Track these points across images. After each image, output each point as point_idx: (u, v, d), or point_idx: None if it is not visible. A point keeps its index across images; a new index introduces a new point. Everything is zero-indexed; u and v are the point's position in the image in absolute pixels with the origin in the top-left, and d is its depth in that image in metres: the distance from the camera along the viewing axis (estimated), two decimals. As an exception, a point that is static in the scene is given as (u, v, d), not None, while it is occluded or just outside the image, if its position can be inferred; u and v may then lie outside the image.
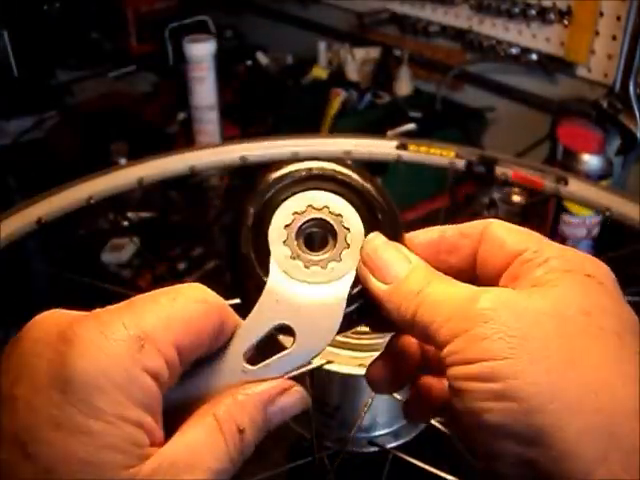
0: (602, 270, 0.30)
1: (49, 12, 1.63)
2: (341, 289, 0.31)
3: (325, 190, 0.34)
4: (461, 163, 0.80)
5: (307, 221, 0.33)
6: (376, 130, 1.19)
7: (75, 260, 1.10)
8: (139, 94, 1.59)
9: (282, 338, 0.32)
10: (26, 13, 1.58)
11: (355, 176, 0.34)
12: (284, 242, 0.32)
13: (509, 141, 1.22)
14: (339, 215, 0.33)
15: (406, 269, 0.31)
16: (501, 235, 0.32)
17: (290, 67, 1.54)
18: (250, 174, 0.89)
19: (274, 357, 0.30)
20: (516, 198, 1.10)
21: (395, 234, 0.33)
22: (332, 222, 0.33)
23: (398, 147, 0.82)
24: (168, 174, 0.80)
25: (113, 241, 1.10)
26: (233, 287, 0.33)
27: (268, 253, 0.32)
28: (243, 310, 0.32)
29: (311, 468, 0.53)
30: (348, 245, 0.32)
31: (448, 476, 0.50)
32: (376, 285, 0.31)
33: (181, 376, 0.29)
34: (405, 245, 0.33)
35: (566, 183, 0.76)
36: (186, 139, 1.36)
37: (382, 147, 0.84)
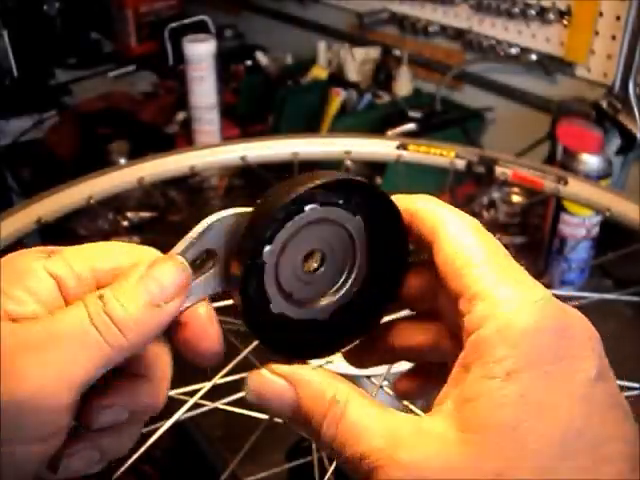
0: (533, 350, 0.24)
1: (49, 12, 1.63)
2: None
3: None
4: (461, 163, 0.80)
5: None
6: (376, 130, 1.19)
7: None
8: (139, 94, 1.59)
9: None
10: (26, 13, 1.58)
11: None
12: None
13: (509, 141, 1.22)
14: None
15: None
16: (454, 249, 0.28)
17: (290, 67, 1.54)
18: (250, 174, 0.89)
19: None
20: (516, 198, 1.10)
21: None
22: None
23: (398, 147, 0.82)
24: (168, 174, 0.80)
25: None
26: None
27: None
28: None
29: (311, 468, 0.53)
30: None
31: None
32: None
33: None
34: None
35: (566, 183, 0.76)
36: (186, 139, 1.36)
37: (382, 147, 0.84)
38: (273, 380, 0.29)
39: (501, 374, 0.24)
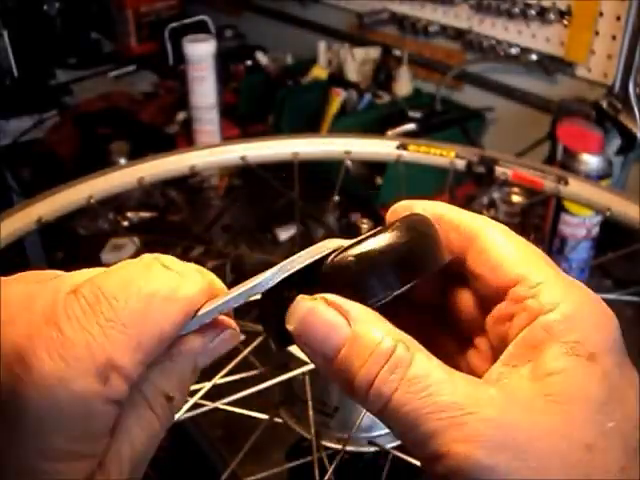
0: (607, 339, 0.25)
1: (49, 12, 1.63)
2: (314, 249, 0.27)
3: None
4: (461, 163, 0.80)
5: None
6: (376, 130, 1.19)
7: (75, 260, 1.10)
8: (139, 94, 1.59)
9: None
10: (26, 13, 1.58)
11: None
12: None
13: (509, 141, 1.22)
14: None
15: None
16: (497, 252, 0.28)
17: (290, 67, 1.54)
18: (250, 174, 0.89)
19: (217, 297, 0.27)
20: (516, 198, 1.10)
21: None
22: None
23: (398, 147, 0.82)
24: (168, 174, 0.80)
25: (113, 241, 1.10)
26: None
27: None
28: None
29: (311, 468, 0.53)
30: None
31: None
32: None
33: None
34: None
35: (566, 183, 0.76)
36: (186, 139, 1.36)
37: (382, 147, 0.84)
38: (326, 310, 0.25)
39: (585, 353, 0.24)
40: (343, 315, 0.25)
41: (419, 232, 0.28)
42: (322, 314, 0.25)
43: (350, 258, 0.26)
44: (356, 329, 0.24)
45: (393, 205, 0.31)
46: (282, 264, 0.27)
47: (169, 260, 0.26)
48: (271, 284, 0.27)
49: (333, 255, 0.27)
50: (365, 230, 1.10)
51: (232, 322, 0.28)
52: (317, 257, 0.27)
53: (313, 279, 0.27)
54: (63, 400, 0.22)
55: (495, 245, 0.28)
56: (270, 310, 0.28)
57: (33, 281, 0.25)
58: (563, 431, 0.23)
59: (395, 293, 0.27)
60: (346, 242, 0.29)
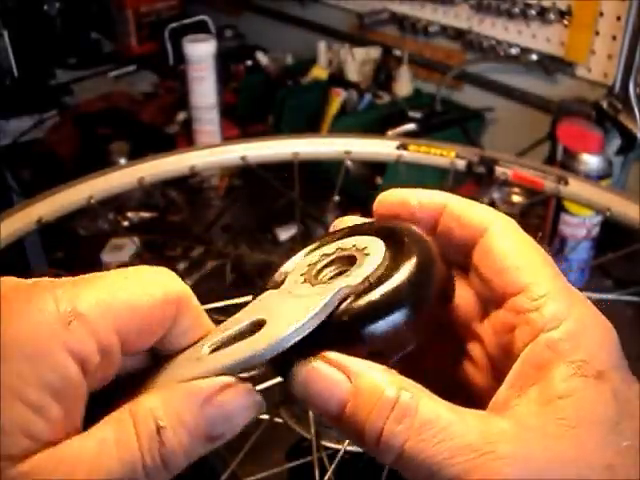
0: (612, 355, 0.25)
1: (49, 12, 1.63)
2: (330, 292, 0.27)
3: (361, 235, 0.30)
4: (461, 163, 0.80)
5: (332, 260, 0.30)
6: (376, 130, 1.19)
7: (75, 260, 1.10)
8: (139, 94, 1.59)
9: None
10: (26, 13, 1.58)
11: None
12: (301, 274, 0.30)
13: (509, 141, 1.22)
14: (364, 247, 0.29)
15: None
16: (504, 255, 0.27)
17: (290, 67, 1.54)
18: (250, 174, 0.89)
19: (236, 344, 0.26)
20: (516, 198, 1.10)
21: (427, 266, 0.27)
22: (354, 253, 0.29)
23: (398, 147, 0.82)
24: (168, 174, 0.80)
25: (113, 241, 1.10)
26: None
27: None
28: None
29: (311, 468, 0.53)
30: (360, 265, 0.28)
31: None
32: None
33: (143, 370, 0.26)
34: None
35: (566, 183, 0.76)
36: (186, 139, 1.36)
37: (382, 147, 0.84)
38: (326, 369, 0.25)
39: (592, 373, 0.24)
40: (343, 371, 0.24)
41: (429, 275, 0.27)
42: (322, 374, 0.25)
43: (357, 324, 0.26)
44: (357, 383, 0.24)
45: (382, 194, 0.31)
46: (295, 327, 0.25)
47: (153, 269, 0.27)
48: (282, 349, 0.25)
49: (342, 310, 0.26)
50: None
51: (248, 385, 0.26)
52: (329, 310, 0.26)
53: (322, 334, 0.26)
54: (17, 331, 0.22)
55: (502, 247, 0.27)
56: (279, 367, 0.27)
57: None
58: (580, 456, 0.23)
59: (409, 349, 0.27)
60: (359, 220, 0.30)
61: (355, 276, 0.27)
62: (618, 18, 1.04)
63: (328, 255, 0.30)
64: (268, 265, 1.03)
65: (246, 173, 1.24)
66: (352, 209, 1.14)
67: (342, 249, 0.30)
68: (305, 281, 0.29)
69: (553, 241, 0.98)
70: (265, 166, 0.82)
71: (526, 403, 0.24)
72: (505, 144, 1.19)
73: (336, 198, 1.05)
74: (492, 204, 1.08)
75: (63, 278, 0.24)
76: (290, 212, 0.85)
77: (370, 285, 0.27)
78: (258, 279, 1.01)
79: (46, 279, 0.24)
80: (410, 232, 0.29)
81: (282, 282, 0.30)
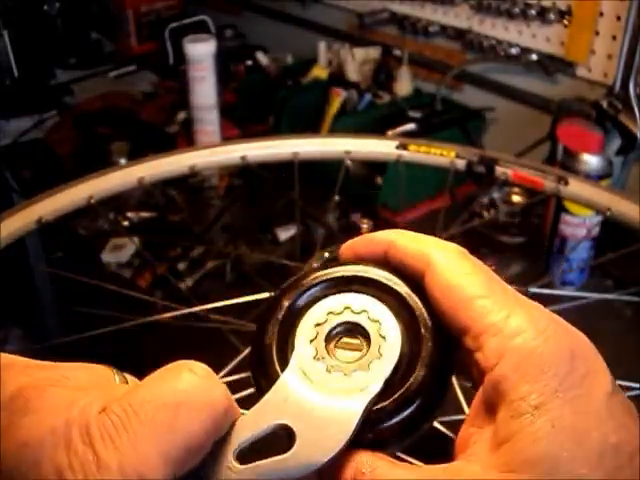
0: (556, 377, 0.25)
1: (49, 12, 1.63)
2: (360, 402, 0.27)
3: (367, 294, 0.31)
4: (461, 163, 0.80)
5: (341, 323, 0.30)
6: (376, 130, 1.19)
7: (75, 260, 1.10)
8: (139, 94, 1.59)
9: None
10: (26, 13, 1.58)
11: (402, 285, 0.30)
12: (311, 341, 0.30)
13: (509, 141, 1.22)
14: (377, 321, 0.30)
15: None
16: (446, 291, 0.28)
17: (290, 67, 1.54)
18: (250, 174, 0.89)
19: (267, 460, 0.27)
20: (516, 198, 1.10)
21: (441, 355, 0.29)
22: (368, 328, 0.30)
23: (398, 147, 0.82)
24: (168, 174, 0.80)
25: (113, 241, 1.10)
26: (252, 377, 0.31)
27: (292, 349, 0.30)
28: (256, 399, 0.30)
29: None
30: (380, 355, 0.29)
31: (448, 476, 0.50)
32: None
33: None
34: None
35: (566, 183, 0.76)
36: (186, 139, 1.36)
37: (382, 147, 0.84)
38: None
39: (529, 409, 0.24)
40: None
41: (444, 381, 0.29)
42: None
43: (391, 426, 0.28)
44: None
45: (349, 242, 0.32)
46: (329, 456, 0.27)
47: (195, 365, 0.27)
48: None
49: (369, 428, 0.28)
50: (365, 230, 1.10)
51: None
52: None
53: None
54: None
55: (443, 281, 0.28)
56: None
57: (64, 386, 0.25)
58: None
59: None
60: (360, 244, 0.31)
61: (376, 373, 0.28)
62: (618, 18, 1.03)
63: (335, 314, 0.30)
64: (268, 265, 1.03)
65: (246, 173, 1.24)
66: (352, 209, 1.14)
67: (351, 310, 0.30)
68: (323, 362, 0.29)
69: (553, 241, 0.98)
70: (265, 166, 0.82)
71: (481, 447, 0.25)
72: (505, 144, 1.19)
73: (336, 198, 1.06)
74: (492, 204, 1.08)
75: (104, 422, 0.24)
76: (290, 212, 0.85)
77: (393, 398, 0.28)
78: (258, 279, 1.01)
79: (95, 433, 0.24)
80: (422, 317, 0.29)
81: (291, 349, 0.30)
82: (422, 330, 0.29)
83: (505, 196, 1.10)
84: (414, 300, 0.30)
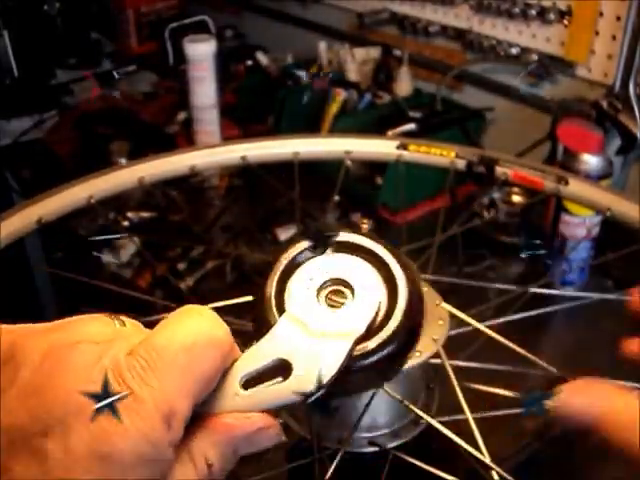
0: None
1: (49, 12, 1.63)
2: (347, 342, 0.32)
3: (356, 256, 0.37)
4: (461, 163, 0.80)
5: (332, 278, 0.35)
6: (376, 130, 1.19)
7: (75, 260, 1.10)
8: (139, 94, 1.59)
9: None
10: (26, 13, 1.58)
11: (388, 255, 0.37)
12: (305, 291, 0.35)
13: (509, 141, 1.22)
14: (361, 277, 0.35)
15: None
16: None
17: (290, 67, 1.54)
18: (250, 174, 0.89)
19: (268, 388, 0.31)
20: (516, 198, 1.10)
21: (414, 306, 0.35)
22: (354, 283, 0.35)
23: (398, 147, 0.82)
24: (168, 174, 0.80)
25: (113, 241, 1.10)
26: (254, 325, 0.36)
27: (289, 298, 0.35)
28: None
29: (311, 468, 0.53)
30: (364, 304, 0.34)
31: (448, 476, 0.50)
32: None
33: None
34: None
35: (566, 183, 0.76)
36: (186, 139, 1.36)
37: (382, 147, 0.84)
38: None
39: None
40: None
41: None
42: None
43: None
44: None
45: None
46: (322, 385, 0.31)
47: (201, 309, 0.31)
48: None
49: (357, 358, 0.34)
50: (365, 230, 1.10)
51: (276, 422, 0.32)
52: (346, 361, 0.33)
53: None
54: (140, 446, 0.26)
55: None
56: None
57: (91, 341, 0.29)
58: None
59: None
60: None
61: (360, 318, 0.34)
62: (618, 18, 1.04)
63: (326, 270, 0.36)
64: (268, 265, 1.03)
65: (246, 173, 1.24)
66: (352, 209, 1.14)
67: (340, 268, 0.36)
68: (315, 307, 0.34)
69: (553, 241, 0.98)
70: (265, 166, 0.82)
71: None
72: (505, 144, 1.19)
73: (336, 198, 1.06)
74: (492, 204, 1.08)
75: (132, 362, 0.27)
76: (290, 212, 0.85)
77: (375, 339, 0.34)
78: (258, 279, 1.00)
79: (128, 374, 0.27)
80: (400, 276, 0.36)
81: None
82: (399, 286, 0.35)
83: (505, 196, 1.10)
84: (394, 263, 0.36)
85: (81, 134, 1.39)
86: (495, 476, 0.45)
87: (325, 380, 0.31)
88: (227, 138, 1.32)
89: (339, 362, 0.32)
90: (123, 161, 1.26)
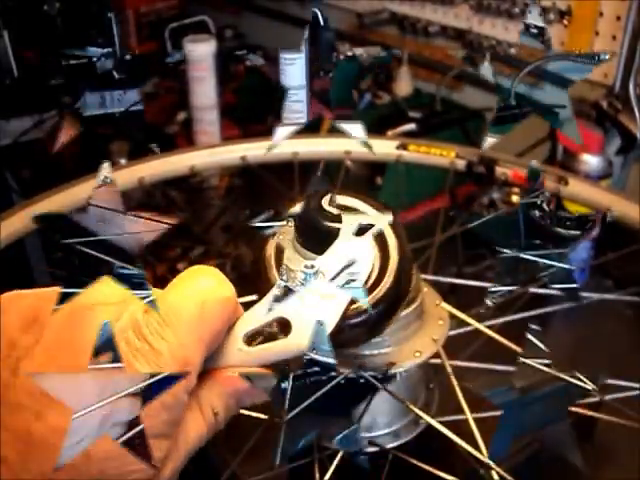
0: None
1: (49, 12, 1.63)
2: (341, 301, 0.35)
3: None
4: (461, 163, 0.80)
5: None
6: (376, 130, 1.19)
7: (75, 260, 1.10)
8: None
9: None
10: (26, 13, 1.58)
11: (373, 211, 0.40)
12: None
13: (509, 141, 1.21)
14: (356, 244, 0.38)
15: None
16: None
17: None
18: (250, 174, 0.89)
19: (270, 343, 0.34)
20: (516, 198, 1.10)
21: (403, 269, 0.38)
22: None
23: (398, 147, 0.82)
24: (168, 174, 0.80)
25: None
26: (255, 284, 0.39)
27: (288, 260, 0.38)
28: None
29: (311, 468, 0.53)
30: (359, 267, 0.36)
31: (448, 476, 0.50)
32: None
33: None
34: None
35: (566, 183, 0.76)
36: (186, 139, 1.36)
37: (382, 147, 0.84)
38: None
39: None
40: None
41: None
42: None
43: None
44: None
45: None
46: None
47: (208, 269, 0.34)
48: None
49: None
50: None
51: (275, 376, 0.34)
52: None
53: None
54: (165, 398, 0.29)
55: None
56: None
57: (109, 303, 0.31)
58: None
59: None
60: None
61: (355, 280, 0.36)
62: (618, 18, 1.04)
63: None
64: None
65: (246, 173, 1.24)
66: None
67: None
68: (310, 269, 0.36)
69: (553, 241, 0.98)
70: (265, 166, 0.82)
71: None
72: (505, 144, 1.19)
73: (336, 198, 1.05)
74: (492, 204, 1.08)
75: (149, 318, 0.30)
76: (290, 212, 0.85)
77: (367, 291, 0.36)
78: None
79: (146, 330, 0.29)
80: (392, 243, 0.39)
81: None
82: (389, 251, 0.38)
83: (505, 196, 1.10)
84: (388, 232, 0.39)
85: (81, 134, 1.39)
86: (495, 476, 0.45)
87: (323, 334, 0.33)
88: (227, 138, 1.32)
89: (335, 319, 0.34)
90: (123, 161, 1.26)
